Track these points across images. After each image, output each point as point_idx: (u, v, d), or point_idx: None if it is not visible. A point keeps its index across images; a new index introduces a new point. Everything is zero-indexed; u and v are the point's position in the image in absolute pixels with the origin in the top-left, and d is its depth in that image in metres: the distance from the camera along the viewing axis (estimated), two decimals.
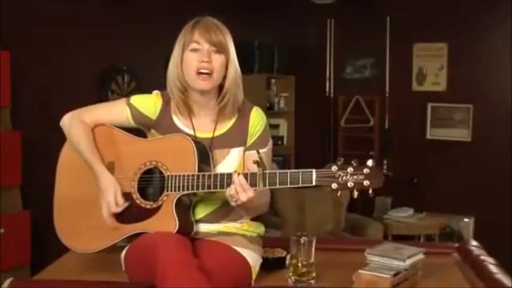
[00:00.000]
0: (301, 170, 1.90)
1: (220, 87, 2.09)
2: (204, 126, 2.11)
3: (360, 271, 2.01)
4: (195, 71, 2.02)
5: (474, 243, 2.49)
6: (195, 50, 2.03)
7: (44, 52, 3.89)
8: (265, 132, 2.15)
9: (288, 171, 1.92)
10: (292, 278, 2.07)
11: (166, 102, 2.13)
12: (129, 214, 2.03)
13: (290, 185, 1.91)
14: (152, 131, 2.14)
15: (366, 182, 1.86)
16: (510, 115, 5.22)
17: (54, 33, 3.93)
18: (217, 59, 2.03)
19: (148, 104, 2.14)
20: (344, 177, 1.87)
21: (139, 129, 2.18)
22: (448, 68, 5.48)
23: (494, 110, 5.32)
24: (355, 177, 1.86)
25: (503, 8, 5.22)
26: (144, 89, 2.26)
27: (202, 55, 2.02)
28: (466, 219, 5.31)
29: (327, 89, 5.94)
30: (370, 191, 1.87)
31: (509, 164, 5.18)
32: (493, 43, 5.30)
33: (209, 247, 2.01)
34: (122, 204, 2.02)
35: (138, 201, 2.04)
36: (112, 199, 2.01)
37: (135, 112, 2.13)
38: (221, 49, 2.03)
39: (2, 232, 3.26)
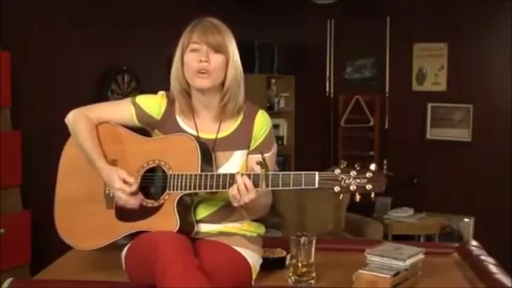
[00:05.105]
0: (304, 172, 1.90)
1: (222, 86, 2.09)
2: (208, 128, 2.12)
3: (360, 271, 2.01)
4: (195, 70, 2.03)
5: (474, 243, 2.49)
6: (194, 51, 2.04)
7: (44, 52, 3.89)
8: (270, 137, 2.15)
9: (291, 173, 1.91)
10: (292, 278, 2.07)
11: (170, 102, 2.14)
12: (131, 212, 2.03)
13: (293, 187, 1.90)
14: (156, 131, 2.15)
15: (369, 186, 1.87)
16: (510, 115, 5.22)
17: (54, 33, 3.93)
18: (216, 59, 2.03)
19: (153, 104, 2.15)
20: (347, 181, 1.88)
21: (143, 128, 2.18)
22: (448, 68, 5.47)
23: (494, 110, 5.31)
24: (357, 180, 1.87)
25: (503, 8, 5.21)
26: (144, 89, 2.27)
27: (201, 55, 2.02)
28: (466, 219, 5.30)
29: (327, 89, 5.94)
30: (372, 195, 1.88)
31: (509, 164, 5.18)
32: (493, 43, 5.30)
33: (209, 247, 2.01)
34: (134, 181, 2.00)
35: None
36: (120, 184, 1.99)
37: (139, 112, 2.14)
38: (219, 49, 2.03)
39: (2, 232, 3.26)
